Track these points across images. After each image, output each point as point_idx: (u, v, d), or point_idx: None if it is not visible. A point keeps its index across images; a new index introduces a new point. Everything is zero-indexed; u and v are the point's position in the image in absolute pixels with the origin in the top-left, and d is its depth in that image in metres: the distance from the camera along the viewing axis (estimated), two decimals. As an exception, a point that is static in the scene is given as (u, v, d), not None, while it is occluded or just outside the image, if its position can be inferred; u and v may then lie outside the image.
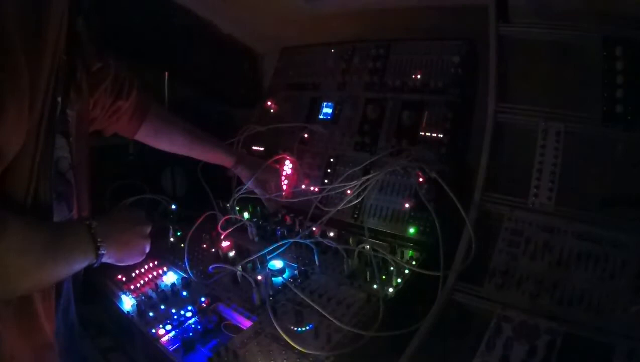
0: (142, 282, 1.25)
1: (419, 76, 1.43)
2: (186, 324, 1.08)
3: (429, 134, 1.36)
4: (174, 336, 1.04)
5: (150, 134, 1.28)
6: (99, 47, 1.00)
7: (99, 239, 0.80)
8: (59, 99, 0.79)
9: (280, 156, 1.58)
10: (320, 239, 1.28)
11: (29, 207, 0.72)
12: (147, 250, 0.97)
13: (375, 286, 1.10)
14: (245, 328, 1.04)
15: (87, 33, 0.88)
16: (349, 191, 1.39)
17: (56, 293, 0.85)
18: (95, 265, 0.82)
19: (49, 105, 0.72)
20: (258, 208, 1.53)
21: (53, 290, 0.83)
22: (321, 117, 1.63)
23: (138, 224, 0.94)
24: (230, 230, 1.40)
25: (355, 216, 1.40)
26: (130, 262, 0.94)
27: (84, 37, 0.87)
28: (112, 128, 1.18)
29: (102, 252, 0.81)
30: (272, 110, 1.79)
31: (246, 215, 1.50)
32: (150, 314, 1.11)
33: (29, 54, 0.65)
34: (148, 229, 0.96)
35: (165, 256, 1.37)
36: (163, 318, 1.09)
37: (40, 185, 0.74)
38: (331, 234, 1.33)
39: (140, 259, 0.96)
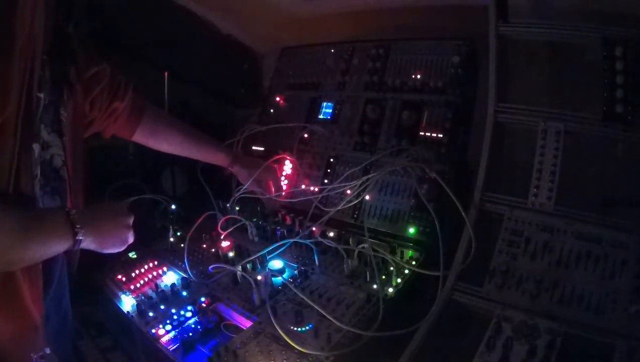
0: (142, 282, 1.25)
1: (418, 76, 1.43)
2: (186, 324, 1.08)
3: (429, 134, 1.36)
4: (174, 336, 1.05)
5: (148, 135, 1.30)
6: (92, 53, 1.03)
7: (77, 226, 0.84)
8: (41, 95, 0.82)
9: (280, 156, 1.58)
10: (320, 239, 1.27)
11: (11, 196, 0.76)
12: (131, 240, 1.00)
13: (375, 286, 1.10)
14: (245, 328, 1.04)
15: (79, 38, 0.92)
16: (348, 191, 1.39)
17: (46, 281, 0.88)
18: (75, 249, 0.86)
19: (25, 100, 0.75)
20: (258, 208, 1.53)
21: (40, 276, 0.86)
22: (321, 117, 1.63)
23: (119, 214, 0.98)
24: (230, 230, 1.40)
25: (355, 216, 1.40)
26: (113, 250, 0.97)
27: (75, 43, 0.92)
28: (110, 129, 1.21)
29: (80, 238, 0.84)
30: (272, 110, 1.79)
31: (246, 215, 1.50)
32: (150, 314, 1.11)
33: None
34: (130, 220, 0.99)
35: (165, 256, 1.38)
36: (163, 318, 1.09)
37: (22, 176, 0.77)
38: (331, 234, 1.33)
39: (122, 248, 0.99)
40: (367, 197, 1.35)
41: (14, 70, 0.72)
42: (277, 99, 1.78)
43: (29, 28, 0.74)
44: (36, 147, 0.82)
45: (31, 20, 0.74)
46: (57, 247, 0.83)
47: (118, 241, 0.97)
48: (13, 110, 0.73)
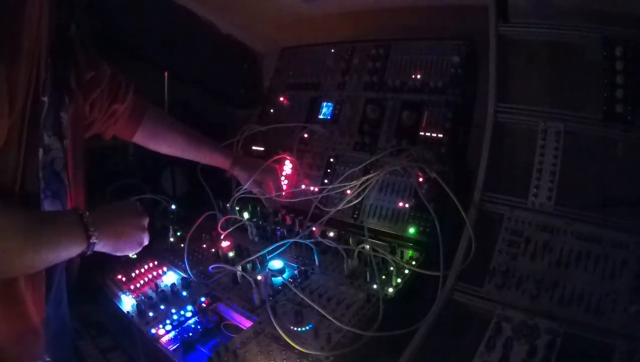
0: (142, 282, 1.25)
1: (419, 76, 1.43)
2: (186, 324, 1.08)
3: (429, 134, 1.36)
4: (174, 336, 1.05)
5: (148, 136, 1.30)
6: (93, 54, 1.02)
7: (90, 228, 0.82)
8: (45, 99, 0.81)
9: (280, 156, 1.58)
10: (320, 239, 1.27)
11: (17, 197, 0.75)
12: (146, 242, 0.98)
13: (375, 286, 1.10)
14: (245, 328, 1.04)
15: (80, 40, 0.92)
16: (348, 191, 1.39)
17: (46, 285, 0.87)
18: (88, 253, 0.84)
19: (31, 103, 0.75)
20: (258, 208, 1.53)
21: (43, 280, 0.85)
22: (321, 117, 1.63)
23: (133, 215, 0.96)
24: (230, 230, 1.40)
25: (355, 216, 1.40)
26: (128, 253, 0.96)
27: (77, 44, 0.91)
28: (110, 131, 1.21)
29: (94, 241, 0.83)
30: (272, 110, 1.79)
31: (246, 215, 1.50)
32: (150, 314, 1.11)
33: (3, 58, 0.67)
34: (145, 221, 0.97)
35: (165, 256, 1.38)
36: (163, 318, 1.09)
37: (28, 180, 0.77)
38: (331, 234, 1.33)
39: (137, 250, 0.98)
40: (401, 204, 1.32)
41: (21, 71, 0.71)
42: (281, 98, 1.78)
43: (36, 27, 0.73)
44: (40, 150, 0.81)
45: (38, 19, 0.73)
46: (70, 251, 0.81)
47: (133, 243, 0.95)
48: (20, 112, 0.73)
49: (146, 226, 0.98)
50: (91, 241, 0.82)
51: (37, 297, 0.83)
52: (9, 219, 0.72)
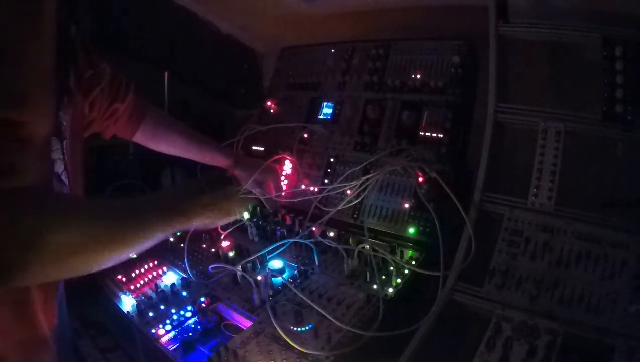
0: (142, 282, 1.25)
1: (418, 76, 1.43)
2: (186, 324, 1.08)
3: (429, 134, 1.36)
4: (174, 336, 1.04)
5: (149, 136, 1.30)
6: (92, 53, 1.02)
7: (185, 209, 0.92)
8: None
9: (279, 156, 1.58)
10: (320, 239, 1.27)
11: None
12: (238, 215, 1.18)
13: (375, 286, 1.10)
14: (245, 328, 1.04)
15: (81, 40, 0.91)
16: (348, 191, 1.39)
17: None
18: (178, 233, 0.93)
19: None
20: (258, 208, 1.52)
21: (55, 290, 0.84)
22: (321, 117, 1.63)
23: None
24: (230, 230, 1.40)
25: (355, 216, 1.40)
26: (220, 223, 1.14)
27: (77, 43, 0.90)
28: (110, 130, 1.21)
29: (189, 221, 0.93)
30: (272, 111, 1.79)
31: (246, 215, 1.50)
32: (150, 314, 1.11)
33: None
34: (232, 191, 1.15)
35: (165, 256, 1.38)
36: (163, 318, 1.09)
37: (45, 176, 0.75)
38: (331, 234, 1.33)
39: (229, 219, 1.17)
40: (401, 204, 1.34)
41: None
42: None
43: (50, 30, 0.71)
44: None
45: (50, 22, 0.72)
46: (164, 236, 0.88)
47: (222, 213, 1.11)
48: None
49: (234, 195, 1.12)
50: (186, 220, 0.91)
51: (48, 308, 0.82)
52: (97, 213, 0.75)
